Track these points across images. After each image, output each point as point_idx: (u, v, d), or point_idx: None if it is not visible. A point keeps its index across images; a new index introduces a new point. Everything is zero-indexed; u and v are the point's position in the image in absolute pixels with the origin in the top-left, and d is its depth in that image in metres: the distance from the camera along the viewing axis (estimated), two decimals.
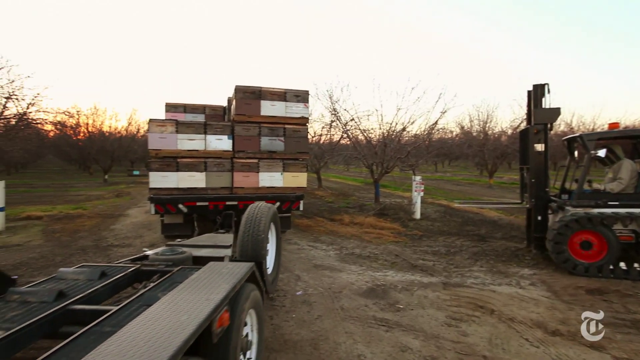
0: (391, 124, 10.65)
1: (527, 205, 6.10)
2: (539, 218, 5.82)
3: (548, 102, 5.84)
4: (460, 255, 6.11)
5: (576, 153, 6.11)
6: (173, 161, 5.75)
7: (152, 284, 2.86)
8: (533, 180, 5.83)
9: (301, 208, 6.42)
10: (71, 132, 21.98)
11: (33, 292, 2.64)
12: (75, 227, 8.15)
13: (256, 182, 6.08)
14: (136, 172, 27.01)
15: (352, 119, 11.04)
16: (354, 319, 3.65)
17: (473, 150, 18.48)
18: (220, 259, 3.59)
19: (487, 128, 17.77)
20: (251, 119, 6.09)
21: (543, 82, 5.85)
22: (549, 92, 5.77)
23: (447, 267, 5.51)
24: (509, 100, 27.08)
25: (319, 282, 4.74)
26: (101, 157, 22.27)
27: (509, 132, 17.29)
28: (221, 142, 5.97)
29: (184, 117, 6.61)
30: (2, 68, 8.00)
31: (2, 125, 10.26)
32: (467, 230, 8.10)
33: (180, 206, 5.73)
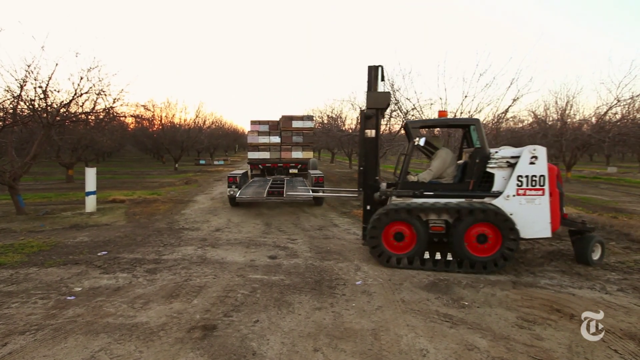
0: (456, 112, 10.08)
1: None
2: (368, 208, 5.42)
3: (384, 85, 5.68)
4: (531, 254, 5.64)
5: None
6: (257, 147, 11.91)
7: (286, 180, 10.40)
8: (361, 168, 5.54)
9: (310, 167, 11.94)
10: (147, 124, 24.09)
11: (258, 181, 10.58)
12: (151, 210, 8.97)
13: (290, 155, 12.00)
14: (202, 162, 28.94)
15: (414, 108, 10.65)
16: (415, 312, 3.55)
17: (548, 141, 16.81)
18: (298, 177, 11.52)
19: (565, 116, 16.01)
20: (288, 129, 12.03)
21: (377, 65, 5.36)
22: (382, 75, 5.45)
23: (516, 265, 5.11)
24: (594, 85, 23.98)
25: (378, 272, 4.69)
26: (172, 147, 24.15)
27: (593, 120, 15.42)
28: (276, 138, 11.99)
29: (259, 127, 12.19)
30: (95, 68, 8.87)
31: (93, 118, 11.57)
32: None
33: (260, 166, 11.88)
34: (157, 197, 11.07)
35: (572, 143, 15.77)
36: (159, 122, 24.70)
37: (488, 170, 4.95)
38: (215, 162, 29.71)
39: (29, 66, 7.86)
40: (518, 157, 4.80)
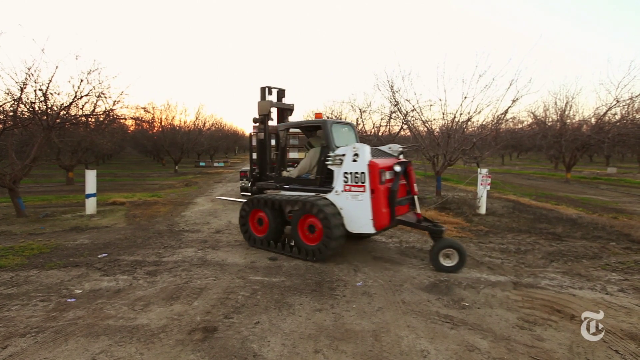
0: (455, 114, 10.09)
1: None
2: None
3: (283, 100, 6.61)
4: (532, 254, 5.64)
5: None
6: None
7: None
8: (254, 166, 6.48)
9: None
10: (147, 126, 24.09)
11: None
12: (151, 212, 8.96)
13: (288, 156, 11.73)
14: (202, 164, 28.90)
15: (414, 109, 10.66)
16: (416, 314, 3.55)
17: (547, 142, 16.87)
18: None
19: (565, 117, 16.05)
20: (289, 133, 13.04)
21: (265, 86, 6.27)
22: (270, 93, 6.35)
23: (517, 266, 5.12)
24: (594, 85, 23.98)
25: (379, 274, 4.69)
26: (172, 149, 24.14)
27: (592, 121, 15.44)
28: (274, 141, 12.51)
29: None
30: (95, 70, 8.88)
31: (93, 121, 11.58)
32: (539, 227, 7.45)
33: None
34: (157, 199, 11.07)
35: (571, 144, 15.80)
36: (158, 124, 24.69)
37: (328, 167, 5.26)
38: (215, 164, 29.67)
39: (29, 69, 7.87)
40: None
